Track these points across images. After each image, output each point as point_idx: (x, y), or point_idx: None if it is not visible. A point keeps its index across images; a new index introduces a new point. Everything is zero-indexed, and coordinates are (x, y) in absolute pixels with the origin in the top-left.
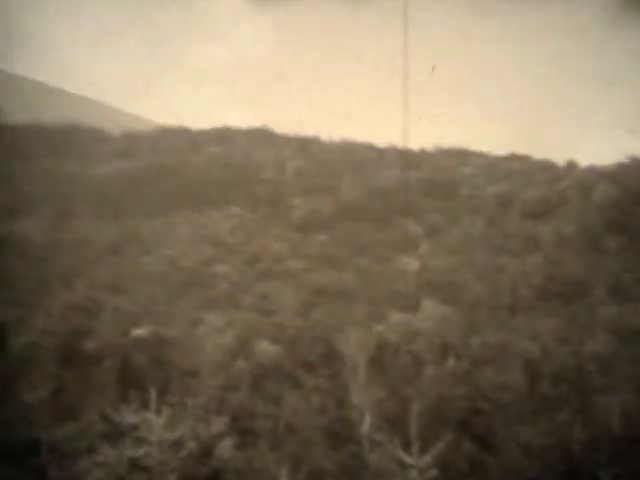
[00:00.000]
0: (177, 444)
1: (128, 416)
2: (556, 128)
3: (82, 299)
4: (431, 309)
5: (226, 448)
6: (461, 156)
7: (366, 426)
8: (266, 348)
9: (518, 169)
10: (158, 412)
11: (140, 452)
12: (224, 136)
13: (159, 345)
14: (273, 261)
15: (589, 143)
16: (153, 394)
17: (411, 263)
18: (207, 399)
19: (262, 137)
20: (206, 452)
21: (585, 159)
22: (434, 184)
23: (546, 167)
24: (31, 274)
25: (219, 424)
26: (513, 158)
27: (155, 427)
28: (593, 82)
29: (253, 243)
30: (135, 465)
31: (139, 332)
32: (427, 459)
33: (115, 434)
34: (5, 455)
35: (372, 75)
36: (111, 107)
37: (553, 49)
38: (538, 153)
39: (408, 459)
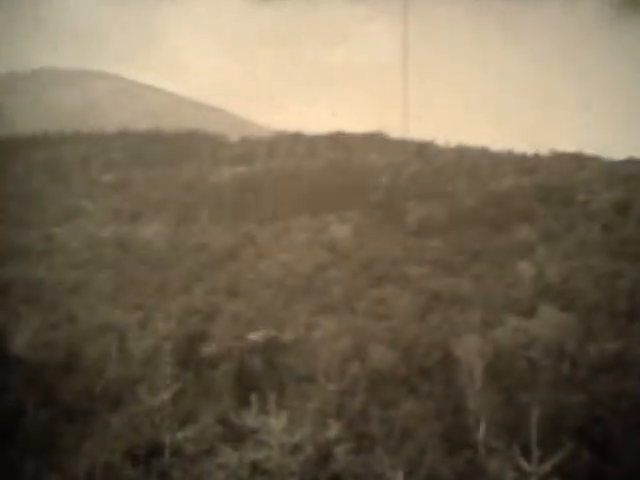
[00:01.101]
0: (296, 448)
1: (249, 419)
2: (557, 126)
3: (200, 303)
4: (547, 315)
5: (343, 452)
6: (577, 161)
7: (482, 432)
8: (382, 353)
9: (636, 173)
10: (277, 416)
11: (261, 455)
12: (339, 141)
13: (275, 349)
14: (388, 266)
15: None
16: (272, 398)
17: (527, 269)
18: (324, 403)
19: (377, 142)
20: (324, 456)
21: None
22: (550, 189)
23: None
24: (151, 278)
25: (336, 428)
26: (630, 162)
27: (275, 431)
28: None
29: (368, 248)
30: (256, 468)
31: (255, 336)
32: (546, 467)
33: (236, 437)
34: (130, 456)
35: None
36: (230, 113)
37: (553, 49)
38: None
39: (528, 467)
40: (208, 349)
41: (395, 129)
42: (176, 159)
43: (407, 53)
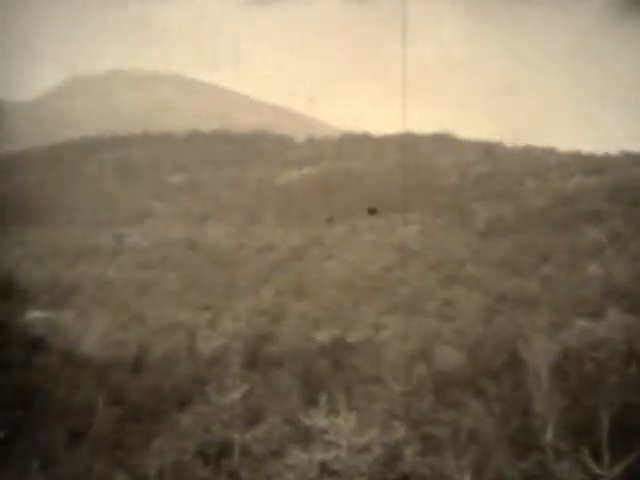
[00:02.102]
0: (365, 448)
1: (318, 420)
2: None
3: (268, 304)
4: (615, 317)
5: (411, 454)
6: None
7: (550, 434)
8: (448, 354)
9: None
10: (346, 417)
11: (330, 456)
12: (407, 141)
13: (342, 350)
14: (455, 267)
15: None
16: (342, 399)
17: (595, 270)
18: (391, 404)
19: (444, 142)
20: (392, 457)
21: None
22: (618, 190)
23: None
24: (220, 278)
25: (404, 430)
26: None
27: (344, 431)
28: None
29: (435, 249)
30: (324, 468)
31: (322, 337)
32: (617, 470)
33: (305, 437)
34: (201, 455)
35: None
36: (297, 114)
37: (553, 48)
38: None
39: (598, 470)
40: (275, 349)
41: (464, 130)
42: (244, 160)
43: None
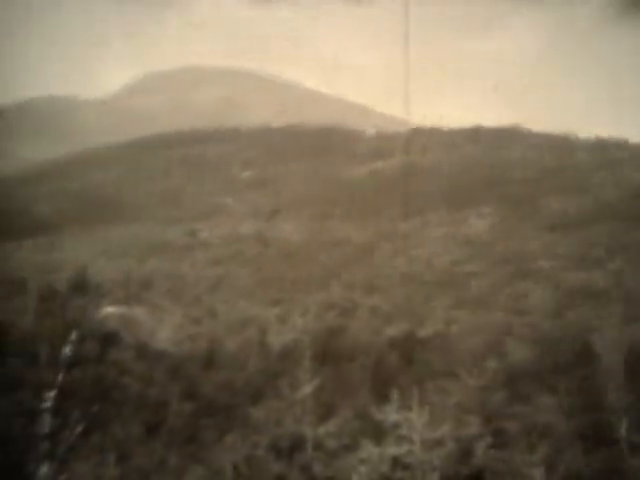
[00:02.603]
0: (438, 443)
1: (390, 414)
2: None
3: (338, 299)
4: None
5: (484, 448)
6: None
7: (624, 429)
8: (520, 348)
9: None
10: (419, 411)
11: (402, 450)
12: (477, 135)
13: (413, 344)
14: (526, 261)
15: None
16: (415, 393)
17: None
18: (464, 399)
19: (514, 135)
20: (465, 452)
21: None
22: None
23: None
24: (290, 273)
25: (477, 424)
26: None
27: (417, 426)
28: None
29: (506, 242)
30: (397, 463)
31: (393, 331)
32: None
33: (377, 432)
34: (274, 450)
35: None
36: (367, 108)
37: (553, 48)
38: None
39: None
40: (346, 343)
41: (535, 122)
42: (314, 155)
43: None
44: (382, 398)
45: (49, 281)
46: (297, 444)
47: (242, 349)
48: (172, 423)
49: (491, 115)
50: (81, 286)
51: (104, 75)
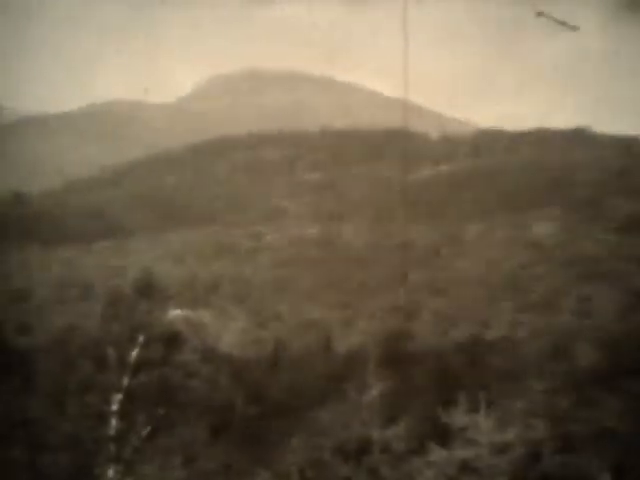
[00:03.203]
0: (506, 447)
1: (457, 418)
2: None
3: (403, 301)
4: None
5: (552, 452)
6: None
7: None
8: (586, 351)
9: None
10: (486, 414)
11: (470, 454)
12: (542, 137)
13: (478, 347)
14: (593, 263)
15: None
16: (482, 396)
17: None
18: (530, 402)
19: (580, 137)
20: (533, 456)
21: None
22: None
23: None
24: (354, 276)
25: (544, 428)
26: None
27: (484, 429)
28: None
29: (572, 245)
30: (465, 466)
31: (458, 334)
32: None
33: (444, 435)
34: (341, 453)
35: None
36: (431, 110)
37: (553, 48)
38: None
39: None
40: (411, 347)
41: (602, 124)
42: (378, 157)
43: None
44: (449, 401)
45: (116, 285)
46: (364, 447)
47: (307, 352)
48: (237, 426)
49: (557, 117)
50: (147, 289)
51: (171, 80)
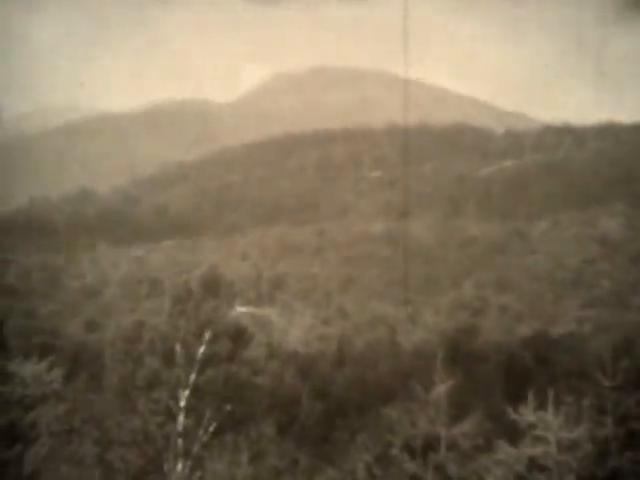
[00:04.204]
0: (574, 444)
1: (525, 415)
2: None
3: (469, 298)
4: None
5: (619, 450)
6: None
7: None
8: None
9: None
10: (555, 412)
11: (538, 451)
12: (608, 132)
13: (545, 343)
14: None
15: None
16: (551, 393)
17: None
18: (598, 399)
19: None
20: (601, 453)
21: None
22: None
23: None
24: (421, 273)
25: (612, 425)
26: None
27: (553, 427)
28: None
29: (638, 241)
30: (533, 464)
31: (525, 330)
32: None
33: (512, 432)
34: (408, 450)
35: None
36: (495, 106)
37: (553, 48)
38: None
39: None
40: (477, 342)
41: None
42: (443, 153)
43: None
44: (515, 398)
45: (183, 281)
46: (431, 444)
47: (372, 348)
48: (304, 422)
49: (623, 112)
50: (214, 286)
51: (236, 78)
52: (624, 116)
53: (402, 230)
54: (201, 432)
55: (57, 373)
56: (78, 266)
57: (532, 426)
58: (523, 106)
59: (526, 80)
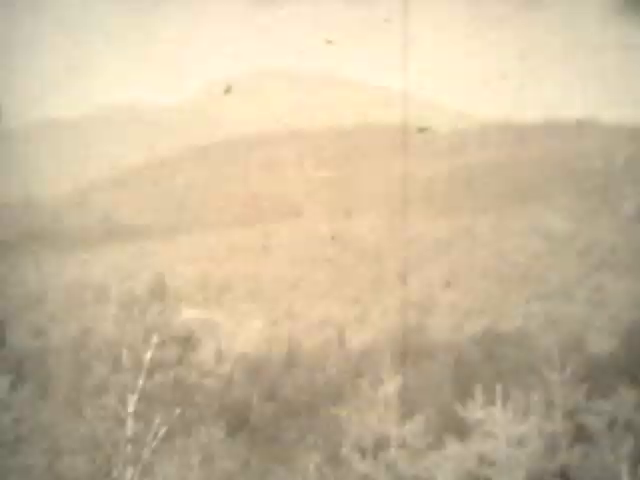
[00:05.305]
0: (523, 439)
1: (474, 411)
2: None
3: (417, 296)
4: None
5: (568, 445)
6: None
7: None
8: (601, 342)
9: None
10: (503, 407)
11: (487, 447)
12: (551, 128)
13: (493, 340)
14: (605, 252)
15: None
16: (499, 389)
17: None
18: (546, 394)
19: (588, 128)
20: (551, 448)
21: None
22: None
23: None
24: (368, 272)
25: (560, 420)
26: None
27: (501, 422)
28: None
29: (584, 235)
30: (483, 459)
31: (473, 327)
32: None
33: (461, 429)
34: (359, 450)
35: None
36: (438, 105)
37: (553, 47)
38: None
39: None
40: (426, 341)
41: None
42: (387, 152)
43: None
44: (464, 394)
45: (129, 286)
46: (381, 443)
47: (322, 349)
48: (254, 424)
49: (567, 109)
50: (159, 290)
51: (174, 82)
52: (566, 112)
53: (348, 230)
54: (150, 437)
55: (2, 382)
56: (21, 273)
57: (481, 422)
58: (468, 104)
59: (474, 78)
